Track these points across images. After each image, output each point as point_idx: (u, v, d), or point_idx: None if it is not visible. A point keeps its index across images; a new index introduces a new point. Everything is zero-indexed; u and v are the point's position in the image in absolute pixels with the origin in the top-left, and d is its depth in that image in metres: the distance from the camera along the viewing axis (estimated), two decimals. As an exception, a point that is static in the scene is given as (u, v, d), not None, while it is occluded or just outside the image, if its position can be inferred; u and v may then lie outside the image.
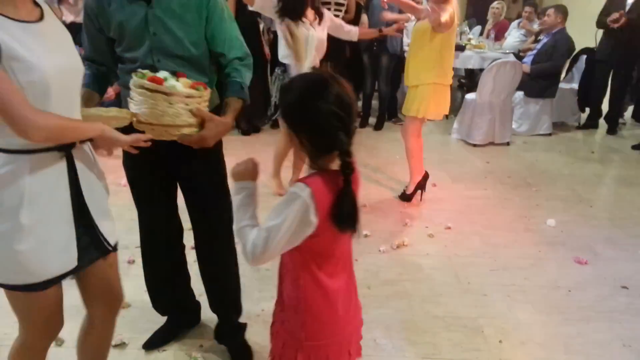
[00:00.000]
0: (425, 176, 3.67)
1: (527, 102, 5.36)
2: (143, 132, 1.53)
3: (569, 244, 3.14)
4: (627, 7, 5.10)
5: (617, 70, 5.35)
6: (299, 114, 1.17)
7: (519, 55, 5.97)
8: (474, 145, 5.05)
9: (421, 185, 3.66)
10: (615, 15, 5.03)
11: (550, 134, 5.47)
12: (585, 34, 5.76)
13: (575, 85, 5.80)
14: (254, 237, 1.18)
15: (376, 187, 3.96)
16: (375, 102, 5.83)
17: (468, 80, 6.78)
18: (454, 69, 6.36)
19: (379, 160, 4.51)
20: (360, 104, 5.67)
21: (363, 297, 1.48)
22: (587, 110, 5.82)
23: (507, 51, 6.19)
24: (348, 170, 1.15)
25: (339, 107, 1.14)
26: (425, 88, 3.36)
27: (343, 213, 1.16)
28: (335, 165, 1.17)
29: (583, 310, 2.49)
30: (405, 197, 3.70)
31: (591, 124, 5.73)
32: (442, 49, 3.30)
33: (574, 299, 2.59)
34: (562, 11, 5.28)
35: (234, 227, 1.24)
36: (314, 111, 1.14)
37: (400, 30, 3.91)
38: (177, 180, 1.92)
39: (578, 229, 3.34)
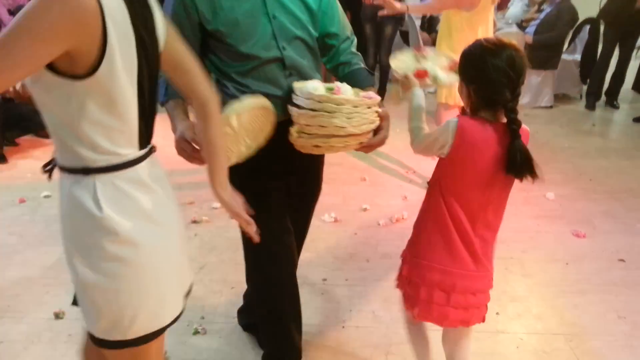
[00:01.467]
0: None
1: (529, 73, 5.26)
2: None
3: (568, 217, 3.15)
4: None
5: (622, 38, 5.26)
6: (476, 66, 1.39)
7: (521, 25, 5.89)
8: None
9: None
10: None
11: (551, 107, 5.43)
12: (588, 3, 5.66)
13: (578, 57, 5.73)
14: (421, 136, 1.50)
15: (375, 160, 3.96)
16: (376, 75, 5.77)
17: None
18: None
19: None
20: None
21: (362, 270, 1.49)
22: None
23: (510, 21, 6.10)
24: (514, 125, 1.36)
25: (510, 67, 1.36)
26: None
27: (516, 162, 1.37)
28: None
29: (580, 282, 2.52)
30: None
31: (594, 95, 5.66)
32: (470, 29, 3.03)
33: (571, 271, 2.61)
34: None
35: (411, 124, 1.52)
36: (489, 65, 1.36)
37: None
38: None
39: (577, 202, 3.35)
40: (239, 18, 1.38)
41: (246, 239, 1.54)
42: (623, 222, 3.12)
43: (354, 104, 1.34)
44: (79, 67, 0.95)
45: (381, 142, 1.48)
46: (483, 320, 1.58)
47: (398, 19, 5.21)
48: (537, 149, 3.48)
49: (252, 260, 1.72)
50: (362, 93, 1.42)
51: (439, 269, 1.48)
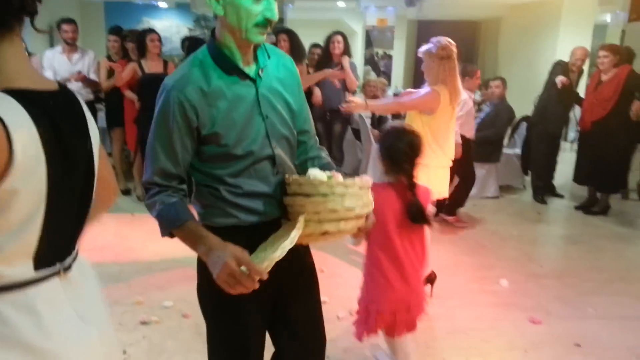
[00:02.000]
0: (432, 274, 3.23)
1: (475, 166, 5.58)
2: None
3: (523, 304, 3.19)
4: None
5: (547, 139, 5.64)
6: (386, 146, 2.15)
7: (464, 123, 6.28)
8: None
9: (431, 279, 3.22)
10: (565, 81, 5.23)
11: (497, 197, 5.67)
12: (523, 103, 6.16)
13: (518, 150, 6.11)
14: None
15: (333, 252, 3.95)
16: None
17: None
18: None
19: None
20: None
21: (319, 364, 1.43)
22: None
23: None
24: (411, 185, 2.10)
25: (409, 148, 2.11)
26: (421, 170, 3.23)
27: (413, 211, 2.07)
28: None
29: (540, 370, 2.50)
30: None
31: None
32: (432, 134, 3.02)
33: (531, 358, 2.60)
34: (504, 83, 5.66)
35: None
36: (394, 146, 2.13)
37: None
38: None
39: (530, 289, 3.41)
40: (236, 119, 1.41)
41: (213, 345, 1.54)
42: (575, 306, 3.18)
43: (359, 185, 1.41)
44: None
45: (371, 226, 1.51)
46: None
47: (346, 118, 5.53)
48: (488, 236, 3.62)
49: None
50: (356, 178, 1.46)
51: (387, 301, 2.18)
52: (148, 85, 4.55)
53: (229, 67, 1.42)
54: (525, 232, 4.57)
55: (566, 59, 5.47)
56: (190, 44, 5.13)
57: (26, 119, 0.94)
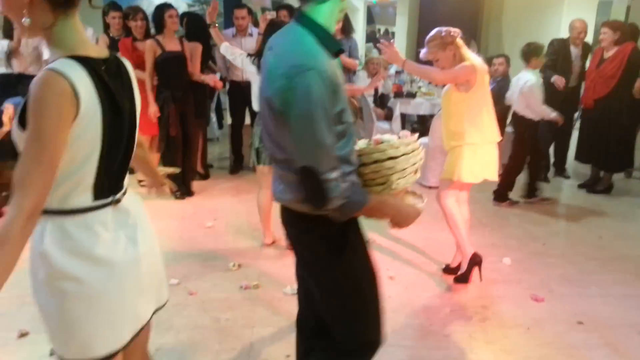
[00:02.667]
0: (477, 256, 3.16)
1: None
2: None
3: (525, 282, 3.21)
4: (575, 70, 5.36)
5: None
6: None
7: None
8: (429, 187, 5.16)
9: (477, 262, 3.15)
10: (559, 82, 5.22)
11: (500, 174, 5.65)
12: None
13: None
14: None
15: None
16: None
17: (420, 126, 7.01)
18: (406, 115, 6.62)
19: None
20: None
21: (327, 342, 1.45)
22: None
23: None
24: None
25: None
26: (458, 150, 3.05)
27: None
28: None
29: (542, 347, 2.53)
30: (461, 279, 3.18)
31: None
32: (468, 110, 2.97)
33: (533, 336, 2.63)
34: (507, 60, 5.60)
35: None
36: None
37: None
38: None
39: (533, 267, 3.43)
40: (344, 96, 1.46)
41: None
42: (578, 284, 3.20)
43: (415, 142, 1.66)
44: None
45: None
46: None
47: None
48: (490, 216, 3.62)
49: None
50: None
51: None
52: (168, 64, 4.45)
53: (335, 50, 1.46)
54: (528, 211, 4.58)
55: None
56: (189, 20, 5.01)
57: (87, 79, 1.20)
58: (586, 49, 5.45)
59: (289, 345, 2.47)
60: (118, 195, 1.37)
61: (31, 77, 1.52)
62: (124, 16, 4.78)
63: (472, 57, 2.96)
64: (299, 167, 1.39)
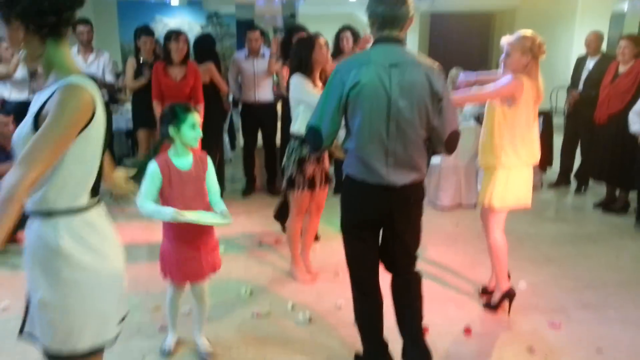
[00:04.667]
0: (511, 291, 3.08)
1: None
2: None
3: (542, 307, 3.15)
4: (582, 82, 5.45)
5: (580, 131, 5.58)
6: None
7: (479, 120, 6.21)
8: (442, 208, 5.13)
9: (510, 295, 3.07)
10: (570, 99, 5.50)
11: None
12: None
13: (535, 147, 6.04)
14: None
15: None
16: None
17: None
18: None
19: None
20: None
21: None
22: (548, 168, 6.02)
23: (468, 116, 6.44)
24: None
25: None
26: (492, 172, 2.95)
27: None
28: None
29: (561, 377, 2.47)
30: (491, 307, 3.12)
31: (562, 180, 5.88)
32: (510, 126, 2.88)
33: (551, 365, 2.57)
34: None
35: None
36: None
37: None
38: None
39: (549, 291, 3.37)
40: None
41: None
42: (596, 309, 3.14)
43: None
44: None
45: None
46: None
47: None
48: (505, 236, 3.56)
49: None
50: None
51: None
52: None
53: None
54: (543, 231, 4.52)
55: (583, 48, 5.46)
56: (197, 43, 5.11)
57: (97, 91, 1.49)
58: (606, 59, 5.39)
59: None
60: (100, 195, 1.60)
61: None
62: (165, 39, 4.56)
63: (538, 78, 2.89)
64: (450, 133, 2.23)
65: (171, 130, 2.34)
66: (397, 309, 2.41)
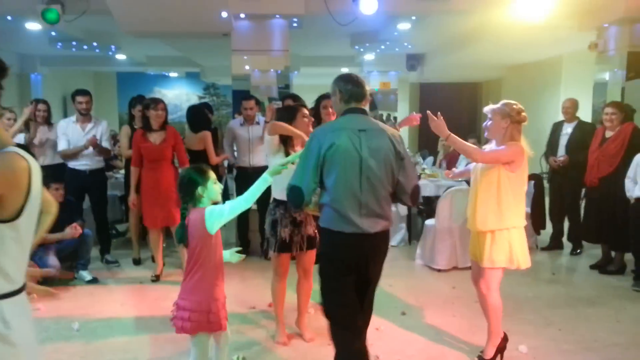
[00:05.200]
0: (505, 338, 3.20)
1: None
2: None
3: (544, 371, 3.06)
4: (561, 147, 5.65)
5: (567, 194, 5.67)
6: None
7: (469, 182, 6.29)
8: (439, 270, 5.07)
9: (501, 348, 3.18)
10: (553, 164, 5.67)
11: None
12: (530, 161, 6.17)
13: (528, 209, 6.08)
14: None
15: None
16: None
17: (426, 207, 7.02)
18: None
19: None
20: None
21: None
22: (542, 232, 6.03)
23: (459, 179, 6.52)
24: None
25: None
26: (505, 234, 3.00)
27: None
28: None
29: None
30: None
31: (556, 244, 5.89)
32: (513, 189, 2.99)
33: None
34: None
35: None
36: None
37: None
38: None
39: (550, 355, 3.29)
40: None
41: None
42: (599, 373, 3.04)
43: None
44: (6, 212, 1.39)
45: None
46: None
47: None
48: (502, 299, 3.51)
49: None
50: None
51: None
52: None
53: None
54: (541, 294, 4.46)
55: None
56: (190, 112, 5.38)
57: (34, 163, 1.45)
58: (588, 127, 5.59)
59: None
60: (24, 282, 1.50)
61: (45, 167, 1.76)
62: (144, 107, 4.78)
63: (524, 142, 3.02)
64: (413, 187, 2.57)
65: (200, 190, 2.46)
66: None
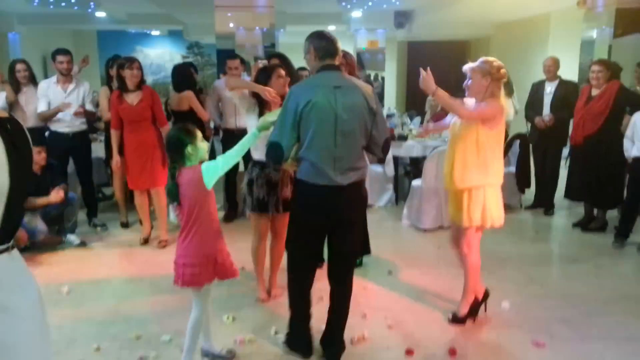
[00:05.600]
0: (486, 294, 3.28)
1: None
2: None
3: (526, 326, 3.16)
4: (546, 106, 5.62)
5: (549, 153, 5.73)
6: None
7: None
8: (425, 230, 5.15)
9: (477, 305, 3.24)
10: (540, 123, 5.57)
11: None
12: (515, 120, 6.20)
13: (513, 169, 6.13)
14: None
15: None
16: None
17: (413, 168, 7.05)
18: (399, 158, 6.67)
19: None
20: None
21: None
22: (527, 191, 6.11)
23: (446, 139, 6.53)
24: None
25: None
26: (480, 192, 3.02)
27: None
28: None
29: (547, 396, 2.46)
30: (458, 320, 3.21)
31: (539, 204, 5.96)
32: (492, 147, 2.99)
33: (537, 384, 2.56)
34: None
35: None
36: None
37: None
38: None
39: (532, 311, 3.38)
40: None
41: None
42: (579, 328, 3.15)
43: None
44: None
45: None
46: None
47: None
48: (486, 257, 3.59)
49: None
50: None
51: None
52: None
53: None
54: (524, 252, 4.55)
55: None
56: (175, 71, 5.28)
57: None
58: (570, 86, 5.60)
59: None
60: (11, 243, 1.46)
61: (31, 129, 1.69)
62: (119, 67, 4.66)
63: (503, 99, 3.01)
64: (384, 140, 2.70)
65: (190, 149, 2.48)
66: (331, 308, 2.81)
